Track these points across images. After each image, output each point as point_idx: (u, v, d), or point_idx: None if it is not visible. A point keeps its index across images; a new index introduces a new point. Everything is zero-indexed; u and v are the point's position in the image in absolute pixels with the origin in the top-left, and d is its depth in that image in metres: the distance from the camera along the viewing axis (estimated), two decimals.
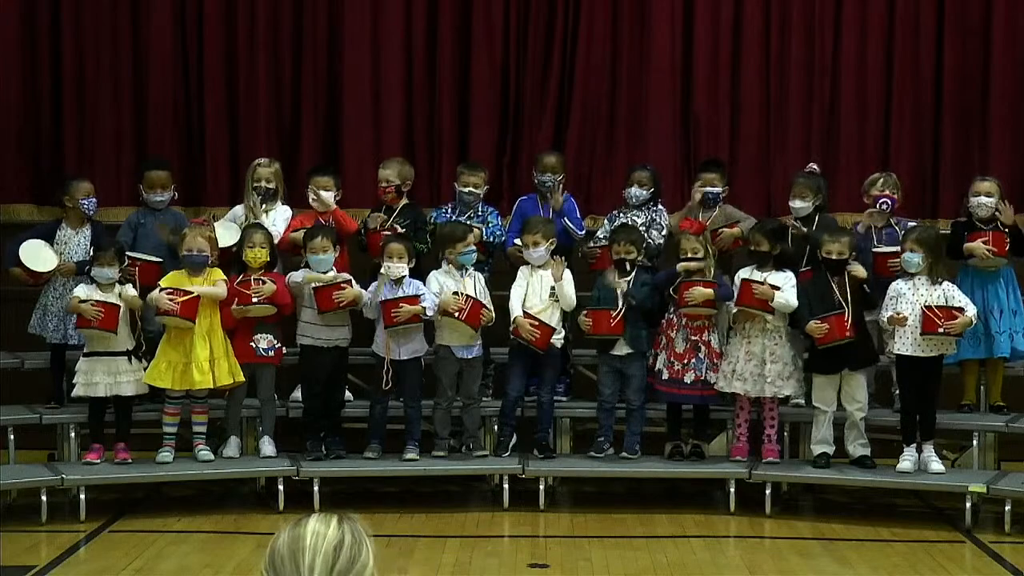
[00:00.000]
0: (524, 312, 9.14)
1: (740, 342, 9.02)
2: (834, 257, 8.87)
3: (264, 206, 9.44)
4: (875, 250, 9.20)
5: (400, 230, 9.30)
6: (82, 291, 8.88)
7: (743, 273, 9.06)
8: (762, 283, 8.85)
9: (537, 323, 9.10)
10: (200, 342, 8.83)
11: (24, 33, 10.44)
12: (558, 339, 9.23)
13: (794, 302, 8.86)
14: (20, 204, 10.41)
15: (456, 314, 9.01)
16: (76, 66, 10.47)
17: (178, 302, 8.74)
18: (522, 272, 9.29)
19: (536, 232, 9.20)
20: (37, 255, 9.23)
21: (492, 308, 9.15)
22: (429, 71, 10.57)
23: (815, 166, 9.66)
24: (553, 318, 9.16)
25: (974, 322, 8.76)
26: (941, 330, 8.66)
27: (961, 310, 8.70)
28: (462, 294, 9.05)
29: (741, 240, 9.40)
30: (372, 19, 10.54)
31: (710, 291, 8.99)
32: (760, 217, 9.76)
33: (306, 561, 2.60)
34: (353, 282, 9.12)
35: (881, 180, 9.40)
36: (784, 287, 8.93)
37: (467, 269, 9.18)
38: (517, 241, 9.42)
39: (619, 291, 9.06)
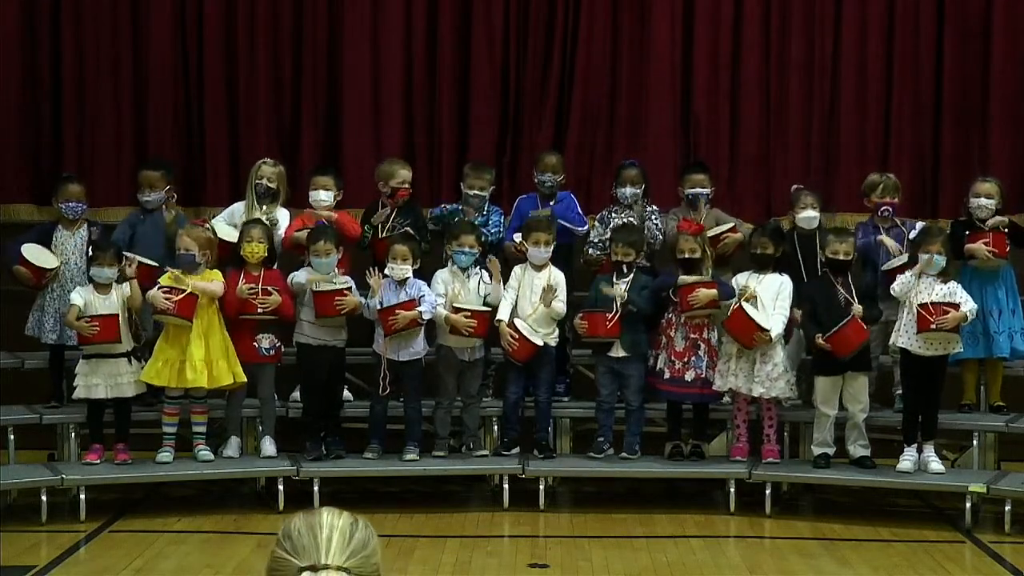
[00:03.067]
0: (511, 321, 9.14)
1: (734, 340, 9.02)
2: (840, 257, 8.88)
3: (264, 208, 9.43)
4: (884, 268, 9.16)
5: (410, 231, 9.30)
6: (78, 296, 8.86)
7: (741, 280, 9.06)
8: (764, 330, 8.81)
9: (518, 336, 9.09)
10: (197, 341, 8.83)
11: (24, 33, 10.44)
12: (553, 339, 9.23)
13: (780, 330, 8.87)
14: (20, 204, 10.41)
15: (466, 333, 9.03)
16: (76, 66, 10.46)
17: (174, 300, 8.74)
18: (515, 273, 9.28)
19: (544, 231, 9.19)
20: (39, 255, 9.24)
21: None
22: (429, 71, 10.57)
23: (800, 186, 9.63)
24: (542, 322, 9.15)
25: (969, 318, 8.75)
26: (933, 326, 8.65)
27: (956, 306, 8.69)
28: (469, 311, 9.03)
29: (741, 246, 9.40)
30: (372, 19, 10.54)
31: (714, 292, 8.98)
32: (759, 219, 9.75)
33: (324, 534, 2.68)
34: (354, 288, 9.12)
35: (881, 186, 9.38)
36: (780, 295, 8.94)
37: (472, 268, 9.18)
38: (515, 236, 9.42)
39: (616, 295, 9.04)
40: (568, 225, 9.48)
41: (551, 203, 9.64)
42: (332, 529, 2.71)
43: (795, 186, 9.61)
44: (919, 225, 9.37)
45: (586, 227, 9.63)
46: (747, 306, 8.86)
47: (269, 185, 9.46)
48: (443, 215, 9.56)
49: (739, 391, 9.04)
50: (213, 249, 9.04)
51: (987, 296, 9.20)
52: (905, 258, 9.02)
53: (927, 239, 8.87)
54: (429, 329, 9.27)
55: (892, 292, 8.84)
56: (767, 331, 8.81)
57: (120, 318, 8.81)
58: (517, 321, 9.15)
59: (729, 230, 9.46)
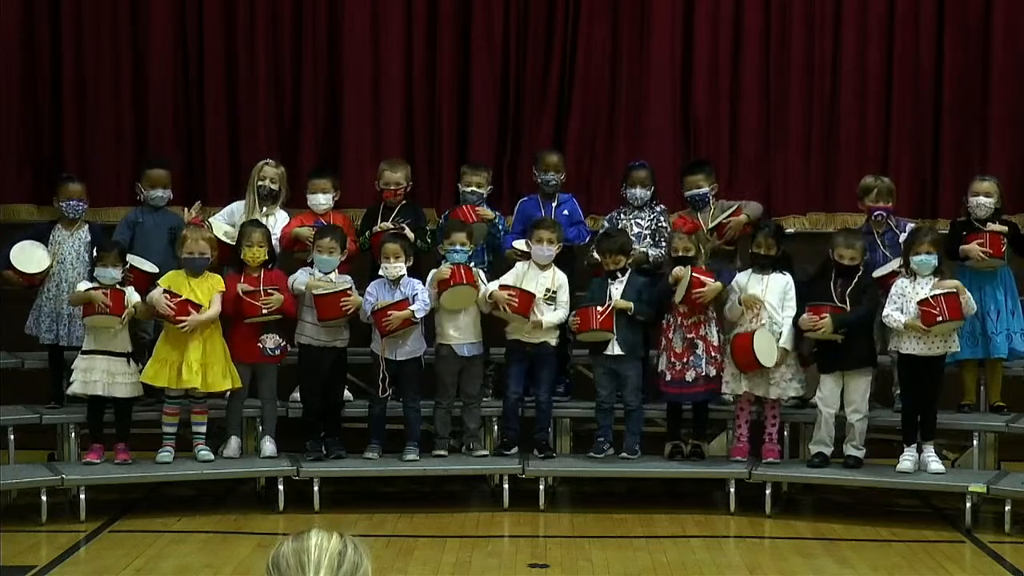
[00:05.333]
0: (500, 284, 9.11)
1: (731, 354, 9.01)
2: (845, 263, 8.87)
3: (264, 209, 9.44)
4: (875, 275, 9.11)
5: (409, 232, 9.31)
6: (84, 285, 8.88)
7: (742, 280, 9.05)
8: (763, 367, 8.83)
9: (516, 291, 9.07)
10: (194, 343, 8.83)
11: (24, 33, 10.44)
12: (553, 338, 9.22)
13: (789, 331, 8.88)
14: (20, 204, 10.42)
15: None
16: (76, 66, 10.46)
17: (174, 304, 8.74)
18: (517, 268, 9.27)
19: (549, 230, 9.19)
20: (29, 256, 9.20)
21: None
22: (429, 71, 10.57)
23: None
24: (544, 320, 9.15)
25: (967, 310, 8.69)
26: (940, 319, 8.62)
27: (956, 300, 8.66)
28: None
29: (750, 225, 9.35)
30: (372, 19, 10.54)
31: (719, 285, 8.92)
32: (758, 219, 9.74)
33: (312, 564, 2.65)
34: (353, 288, 9.12)
35: (875, 191, 9.36)
36: (787, 295, 8.96)
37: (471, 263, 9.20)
38: (515, 244, 9.42)
39: (623, 307, 9.01)
40: (571, 242, 9.47)
41: (553, 204, 9.64)
42: (320, 557, 2.67)
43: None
44: (910, 226, 9.35)
45: (588, 238, 9.61)
46: (759, 338, 8.81)
47: (271, 187, 9.47)
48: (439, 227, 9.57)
49: (753, 394, 9.03)
50: (215, 250, 9.05)
51: (986, 297, 9.18)
52: (897, 264, 9.01)
53: (915, 240, 8.86)
54: (429, 329, 9.28)
55: (886, 321, 8.80)
56: (765, 367, 8.83)
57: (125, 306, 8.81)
58: (505, 284, 9.12)
59: (732, 213, 9.43)
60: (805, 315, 8.82)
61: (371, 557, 2.76)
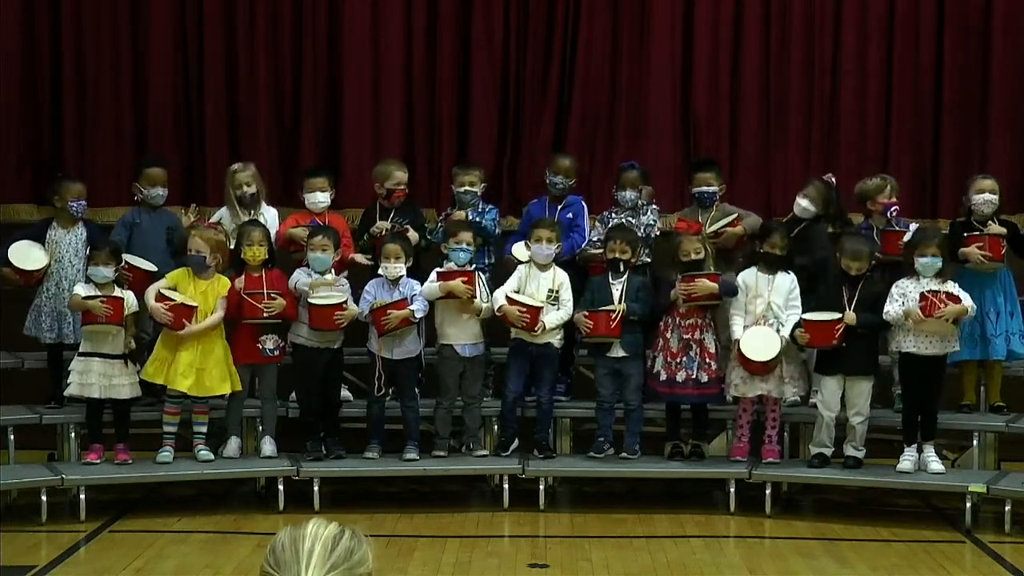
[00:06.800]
0: (509, 298, 9.12)
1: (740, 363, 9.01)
2: (853, 273, 8.86)
3: (251, 213, 9.41)
4: (887, 229, 9.17)
5: (413, 233, 9.30)
6: (81, 291, 8.88)
7: (750, 279, 9.03)
8: (767, 364, 8.85)
9: (525, 307, 9.08)
10: (191, 347, 8.82)
11: (24, 34, 10.44)
12: (556, 340, 9.22)
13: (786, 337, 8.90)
14: (20, 204, 10.41)
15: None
16: (76, 66, 10.46)
17: (170, 309, 8.74)
18: (519, 271, 9.27)
19: (548, 229, 9.18)
20: (27, 255, 9.21)
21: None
22: (429, 71, 10.57)
23: (832, 179, 9.61)
24: (548, 321, 9.15)
25: (970, 313, 8.71)
26: (941, 306, 8.58)
27: (957, 299, 8.66)
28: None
29: (745, 238, 9.39)
30: (372, 19, 10.54)
31: (714, 286, 8.95)
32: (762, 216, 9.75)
33: (305, 547, 2.70)
34: (350, 299, 9.08)
35: (888, 187, 9.37)
36: (792, 293, 8.97)
37: (470, 266, 9.19)
38: (514, 250, 9.42)
39: (617, 311, 9.01)
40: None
41: (558, 207, 9.63)
42: (315, 541, 2.72)
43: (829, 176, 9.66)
44: (914, 226, 9.35)
45: (586, 242, 9.60)
46: (745, 342, 8.82)
47: (249, 191, 9.42)
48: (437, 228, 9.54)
49: (770, 395, 9.02)
50: (224, 252, 9.03)
51: (984, 299, 9.18)
52: (907, 230, 9.01)
53: (923, 241, 8.84)
54: (430, 329, 9.28)
55: (886, 318, 8.80)
56: (770, 362, 8.83)
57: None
58: (513, 296, 9.12)
59: (729, 224, 9.43)
60: (799, 331, 8.81)
61: (372, 546, 2.78)
